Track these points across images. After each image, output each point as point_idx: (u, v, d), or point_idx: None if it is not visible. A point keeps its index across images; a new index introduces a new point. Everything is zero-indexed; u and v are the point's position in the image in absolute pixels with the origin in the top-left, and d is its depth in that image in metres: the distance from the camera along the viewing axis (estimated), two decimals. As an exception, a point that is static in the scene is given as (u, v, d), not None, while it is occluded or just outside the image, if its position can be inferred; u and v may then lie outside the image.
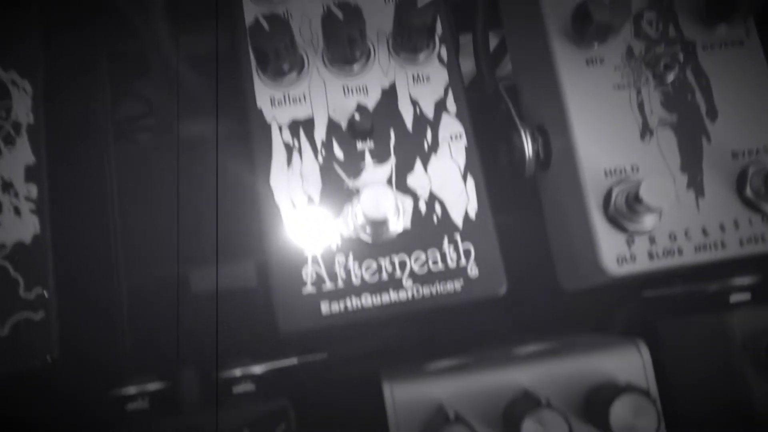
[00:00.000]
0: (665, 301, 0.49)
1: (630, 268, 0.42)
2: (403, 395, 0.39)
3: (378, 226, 0.39)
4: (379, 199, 0.38)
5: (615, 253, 0.42)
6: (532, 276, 0.56)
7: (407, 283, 0.42)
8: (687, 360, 0.48)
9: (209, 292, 0.51)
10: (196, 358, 0.46)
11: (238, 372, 0.43)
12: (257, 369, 0.44)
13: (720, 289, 0.46)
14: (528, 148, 0.48)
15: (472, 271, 0.42)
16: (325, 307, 0.41)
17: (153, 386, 0.43)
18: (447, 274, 0.42)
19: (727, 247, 0.43)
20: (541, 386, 0.36)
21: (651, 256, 0.43)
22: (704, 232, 0.43)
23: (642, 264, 0.43)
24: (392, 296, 0.41)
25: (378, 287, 0.41)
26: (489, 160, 0.48)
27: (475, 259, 0.42)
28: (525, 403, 0.35)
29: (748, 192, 0.43)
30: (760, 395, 0.40)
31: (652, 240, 0.43)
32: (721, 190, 0.44)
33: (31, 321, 0.39)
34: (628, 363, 0.39)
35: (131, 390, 0.42)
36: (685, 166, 0.44)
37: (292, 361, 0.45)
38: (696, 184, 0.44)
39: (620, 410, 0.35)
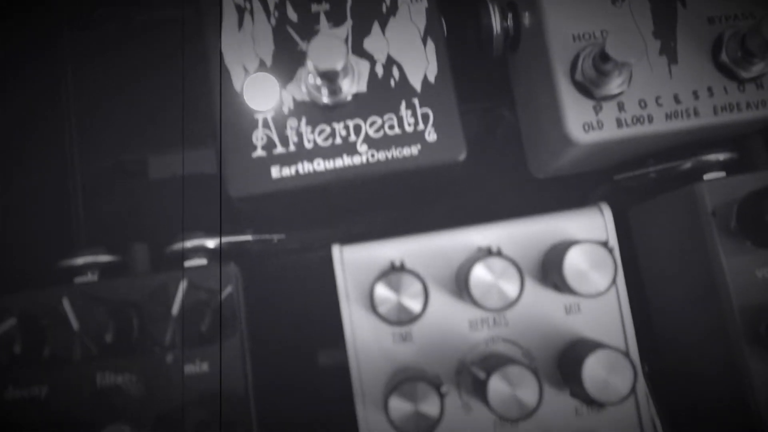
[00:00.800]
0: (637, 184, 0.47)
1: (597, 136, 0.40)
2: (352, 256, 0.37)
3: (330, 79, 0.37)
4: (329, 48, 0.36)
5: (582, 120, 0.40)
6: (502, 167, 0.54)
7: (362, 147, 0.40)
8: (657, 239, 0.46)
9: (166, 178, 0.50)
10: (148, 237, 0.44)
11: (190, 244, 0.42)
12: (210, 243, 0.42)
13: (693, 168, 0.43)
14: (496, 24, 0.46)
15: (430, 136, 0.40)
16: (275, 171, 0.39)
17: (103, 258, 0.41)
18: (404, 139, 0.40)
19: (700, 115, 0.41)
20: (497, 244, 0.35)
21: (619, 123, 0.41)
22: (676, 99, 0.41)
23: (610, 131, 0.41)
24: (346, 161, 0.39)
25: (331, 152, 0.40)
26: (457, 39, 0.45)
27: (434, 124, 0.40)
28: (476, 255, 0.34)
29: (724, 58, 0.41)
30: (729, 264, 0.39)
31: (620, 107, 0.41)
32: (696, 56, 0.42)
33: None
34: (589, 222, 0.38)
35: (80, 261, 0.41)
36: (658, 32, 0.42)
37: (247, 237, 0.44)
38: (669, 51, 0.42)
39: (575, 260, 0.33)
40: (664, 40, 0.42)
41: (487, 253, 0.33)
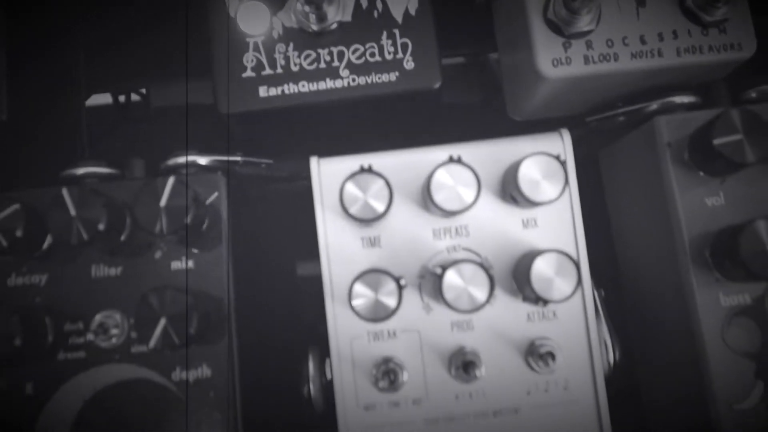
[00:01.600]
0: (607, 127, 0.49)
1: (565, 71, 0.43)
2: (328, 167, 0.41)
3: (317, 6, 0.40)
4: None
5: (551, 55, 0.43)
6: (482, 112, 0.57)
7: (344, 72, 0.43)
8: (622, 178, 0.49)
9: (166, 106, 0.53)
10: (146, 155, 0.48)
11: (181, 159, 0.45)
12: (202, 160, 0.46)
13: (658, 110, 0.46)
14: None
15: (408, 64, 0.43)
16: (263, 91, 0.43)
17: (103, 170, 0.45)
18: (383, 66, 0.43)
19: (664, 56, 0.44)
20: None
21: (587, 60, 0.43)
22: (642, 40, 0.44)
23: (578, 68, 0.43)
24: (328, 84, 0.43)
25: (315, 75, 0.43)
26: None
27: (412, 53, 0.43)
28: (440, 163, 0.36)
29: (689, 2, 0.43)
30: (681, 193, 0.41)
31: (588, 45, 0.43)
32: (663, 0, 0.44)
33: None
34: (549, 144, 0.40)
35: (81, 171, 0.44)
36: (627, -25, 0.44)
37: (236, 157, 0.47)
38: (637, -7, 0.44)
39: (530, 169, 0.36)
40: (633, -17, 0.44)
41: (448, 160, 0.36)
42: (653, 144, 0.43)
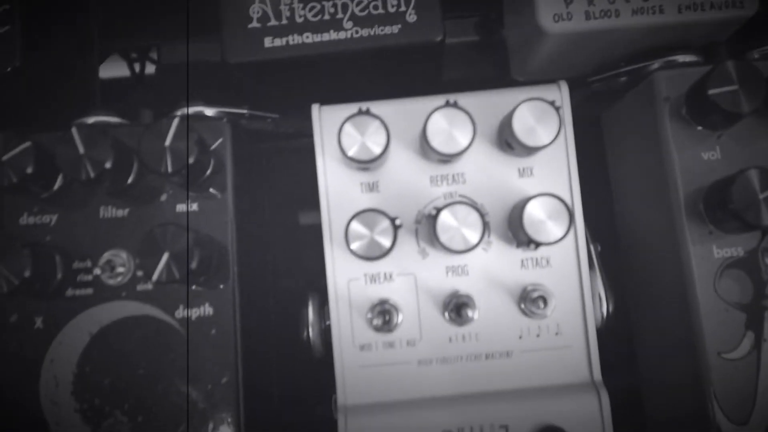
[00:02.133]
0: (609, 88, 0.50)
1: (566, 27, 0.44)
2: (329, 114, 0.42)
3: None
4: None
5: (552, 11, 0.44)
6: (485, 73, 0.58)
7: (347, 24, 0.44)
8: (623, 138, 0.49)
9: (175, 63, 0.54)
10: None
11: (190, 111, 0.46)
12: (208, 111, 0.47)
13: (661, 67, 0.46)
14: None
15: (411, 17, 0.44)
16: (268, 41, 0.44)
17: (113, 119, 0.46)
18: (386, 18, 0.44)
19: (665, 13, 0.44)
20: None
21: (588, 15, 0.44)
22: (644, -4, 0.44)
23: (579, 23, 0.44)
24: (332, 35, 0.43)
25: (319, 26, 0.44)
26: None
27: (415, 6, 0.44)
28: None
29: (692, -41, 0.44)
30: (678, 146, 0.42)
31: (590, 0, 0.44)
32: (666, -44, 0.44)
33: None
34: (547, 95, 0.41)
35: (91, 119, 0.46)
36: (630, -69, 0.45)
37: (242, 110, 0.48)
38: (640, -51, 0.44)
39: (524, 114, 0.37)
40: (636, -59, 0.45)
41: (445, 104, 0.37)
42: (652, 99, 0.43)
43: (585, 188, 0.50)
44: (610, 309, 0.43)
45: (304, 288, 0.46)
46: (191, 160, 0.38)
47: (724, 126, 0.41)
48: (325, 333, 0.43)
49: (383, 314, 0.39)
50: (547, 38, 0.44)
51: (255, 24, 0.44)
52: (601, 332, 0.44)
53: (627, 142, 0.48)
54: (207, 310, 0.41)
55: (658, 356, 0.46)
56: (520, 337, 0.40)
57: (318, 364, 0.44)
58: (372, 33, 0.43)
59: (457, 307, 0.39)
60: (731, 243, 0.41)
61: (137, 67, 0.61)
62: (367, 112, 0.37)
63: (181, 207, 0.42)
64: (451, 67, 0.50)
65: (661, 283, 0.44)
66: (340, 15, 0.44)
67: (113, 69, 0.55)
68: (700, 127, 0.42)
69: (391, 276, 0.41)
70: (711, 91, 0.38)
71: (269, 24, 0.44)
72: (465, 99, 0.41)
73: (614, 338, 0.45)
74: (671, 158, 0.42)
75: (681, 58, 0.47)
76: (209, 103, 0.47)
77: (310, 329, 0.43)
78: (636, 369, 0.49)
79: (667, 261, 0.42)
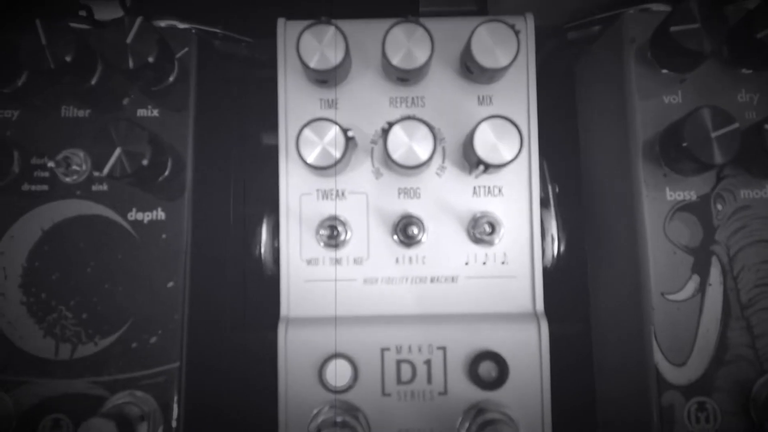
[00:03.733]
0: (585, 36, 0.50)
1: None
2: (294, 29, 0.42)
3: None
4: None
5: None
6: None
7: (323, -55, 0.44)
8: (592, 84, 0.49)
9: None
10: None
11: (163, 24, 0.46)
12: (181, 25, 0.47)
13: (633, 15, 0.46)
14: None
15: (387, -57, 0.44)
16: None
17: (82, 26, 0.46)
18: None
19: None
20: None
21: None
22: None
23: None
24: (308, -46, 0.44)
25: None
26: None
27: (391, -67, 0.44)
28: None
29: None
30: (640, 88, 0.42)
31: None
32: None
33: None
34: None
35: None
36: None
37: (215, 29, 0.48)
38: None
39: (482, 35, 0.37)
40: None
41: (405, 19, 0.37)
42: (619, 42, 0.43)
43: (555, 137, 0.50)
44: (562, 248, 0.44)
45: (262, 209, 0.46)
46: (150, 59, 0.38)
47: (687, 68, 0.41)
48: (277, 252, 0.43)
49: (332, 228, 0.39)
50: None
51: (230, -62, 0.44)
52: (551, 270, 0.44)
53: (595, 89, 0.48)
54: (159, 214, 0.41)
55: (608, 298, 0.46)
56: (467, 264, 0.41)
57: (267, 280, 0.44)
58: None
59: (405, 228, 0.39)
60: (685, 187, 0.41)
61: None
62: (324, 21, 0.37)
63: (142, 112, 0.42)
64: (428, 2, 0.50)
65: (616, 226, 0.44)
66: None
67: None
68: (664, 71, 0.42)
69: (343, 193, 0.41)
70: (673, 29, 0.38)
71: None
72: (429, 23, 0.41)
73: (570, 281, 0.45)
74: (633, 100, 0.42)
75: (655, 7, 0.47)
76: (183, 19, 0.48)
77: (262, 247, 0.44)
78: (587, 306, 0.49)
79: (622, 203, 0.43)
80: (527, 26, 0.42)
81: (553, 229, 0.43)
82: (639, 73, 0.42)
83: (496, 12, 0.52)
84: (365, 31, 0.41)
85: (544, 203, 0.46)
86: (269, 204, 0.45)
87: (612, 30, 0.44)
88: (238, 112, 0.52)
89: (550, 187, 0.44)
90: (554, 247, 0.44)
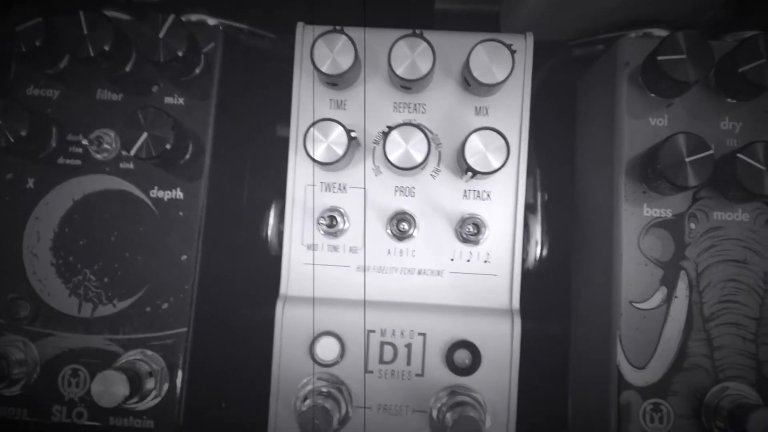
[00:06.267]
0: (588, 53, 0.53)
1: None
2: (311, 33, 0.45)
3: None
4: None
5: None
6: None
7: (344, -45, 0.47)
8: (590, 101, 0.52)
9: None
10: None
11: (194, 18, 0.50)
12: (210, 21, 0.51)
13: (635, 38, 0.49)
14: None
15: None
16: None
17: (123, 16, 0.50)
18: (381, -46, 0.47)
19: (642, -15, 0.46)
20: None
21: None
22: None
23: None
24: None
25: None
26: None
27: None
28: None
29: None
30: (629, 110, 0.44)
31: (573, -36, 0.46)
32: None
33: None
34: (513, 42, 0.44)
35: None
36: None
37: (243, 25, 0.52)
38: None
39: (480, 54, 0.40)
40: None
41: (411, 33, 0.40)
42: (614, 64, 0.46)
43: (554, 147, 0.53)
44: (544, 252, 0.47)
45: (272, 195, 0.50)
46: (180, 53, 0.42)
47: (673, 94, 0.43)
48: (282, 235, 0.47)
49: (331, 218, 0.43)
50: (531, -6, 0.47)
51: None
52: (533, 272, 0.48)
53: (592, 105, 0.51)
54: (178, 194, 0.46)
55: (585, 302, 0.49)
56: (452, 260, 0.44)
57: (273, 260, 0.48)
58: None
59: (398, 223, 0.43)
60: (662, 205, 0.44)
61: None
62: (339, 30, 0.40)
63: (169, 99, 0.46)
64: (441, 25, 0.53)
65: (596, 235, 0.47)
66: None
67: None
68: (652, 94, 0.44)
69: (344, 187, 0.44)
70: (660, 58, 0.41)
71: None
72: (435, 37, 0.44)
73: (553, 283, 0.49)
74: (622, 119, 0.45)
75: (657, 32, 0.49)
76: (212, 14, 0.51)
77: (269, 229, 0.48)
78: (568, 310, 0.52)
79: (604, 214, 0.46)
80: (527, 44, 0.45)
81: (537, 234, 0.47)
82: (629, 95, 0.45)
83: (506, 24, 0.55)
84: (376, 40, 0.45)
85: (532, 209, 0.49)
86: (278, 191, 0.49)
87: (610, 52, 0.47)
88: (257, 103, 0.56)
89: (539, 195, 0.47)
90: (537, 251, 0.47)
